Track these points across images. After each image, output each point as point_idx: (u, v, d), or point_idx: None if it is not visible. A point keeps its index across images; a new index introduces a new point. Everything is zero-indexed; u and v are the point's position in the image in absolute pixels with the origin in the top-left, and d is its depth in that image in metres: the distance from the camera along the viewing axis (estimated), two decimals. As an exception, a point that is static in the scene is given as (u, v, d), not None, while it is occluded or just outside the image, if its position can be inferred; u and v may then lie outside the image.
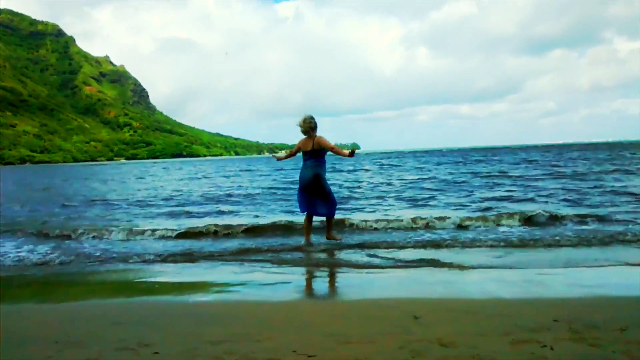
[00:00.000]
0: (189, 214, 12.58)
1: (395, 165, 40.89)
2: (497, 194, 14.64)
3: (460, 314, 4.22)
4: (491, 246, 7.53)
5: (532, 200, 12.89)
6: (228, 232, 9.44)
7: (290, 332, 3.85)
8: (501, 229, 8.98)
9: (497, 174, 23.41)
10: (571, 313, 4.11)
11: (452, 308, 4.42)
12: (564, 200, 12.63)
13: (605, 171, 22.18)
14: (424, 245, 7.77)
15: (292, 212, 11.96)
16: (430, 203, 13.33)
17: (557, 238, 7.79)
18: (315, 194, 7.77)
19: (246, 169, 46.40)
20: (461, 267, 6.19)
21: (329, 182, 7.99)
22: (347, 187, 19.16)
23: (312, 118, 7.82)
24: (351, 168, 38.02)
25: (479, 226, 9.24)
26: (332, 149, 7.65)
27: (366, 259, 6.88)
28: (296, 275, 6.20)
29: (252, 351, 3.44)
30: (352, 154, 7.37)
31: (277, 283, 5.75)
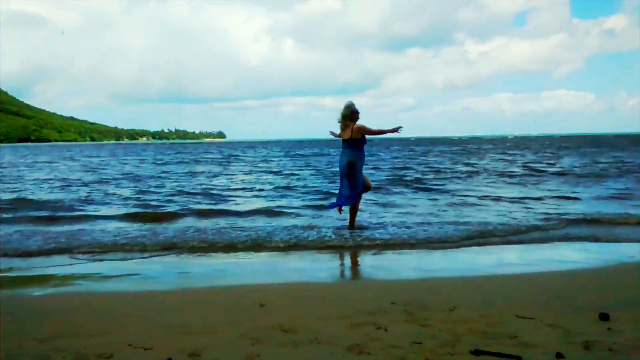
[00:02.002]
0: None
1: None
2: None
3: (306, 300, 4.30)
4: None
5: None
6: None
7: (128, 325, 3.67)
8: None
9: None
10: (408, 296, 4.34)
11: (299, 294, 4.49)
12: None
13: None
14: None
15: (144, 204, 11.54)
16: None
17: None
18: (347, 179, 7.70)
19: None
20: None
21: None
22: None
23: (348, 107, 7.61)
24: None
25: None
26: (374, 132, 7.47)
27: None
28: (145, 266, 5.95)
29: (84, 347, 3.23)
30: (396, 130, 7.24)
31: (122, 275, 5.48)
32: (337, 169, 7.99)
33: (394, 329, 3.46)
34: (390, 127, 7.30)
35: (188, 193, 13.26)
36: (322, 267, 5.81)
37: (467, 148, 50.49)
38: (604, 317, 3.63)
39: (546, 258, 6.08)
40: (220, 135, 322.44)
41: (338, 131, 7.86)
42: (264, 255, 6.36)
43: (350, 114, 7.59)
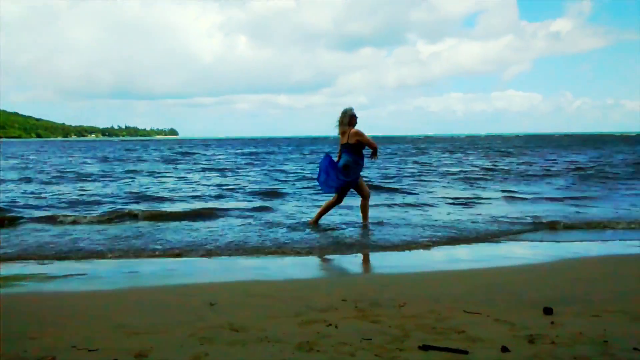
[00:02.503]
0: None
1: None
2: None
3: (256, 298, 4.26)
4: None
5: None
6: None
7: (73, 327, 3.55)
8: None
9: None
10: (359, 292, 4.37)
11: (250, 292, 4.45)
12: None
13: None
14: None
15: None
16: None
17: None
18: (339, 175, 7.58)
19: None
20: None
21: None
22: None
23: (345, 112, 7.64)
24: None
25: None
26: (366, 143, 7.53)
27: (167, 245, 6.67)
28: (93, 266, 5.78)
29: (24, 350, 3.10)
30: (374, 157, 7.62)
31: (68, 275, 5.31)
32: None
33: (344, 326, 3.47)
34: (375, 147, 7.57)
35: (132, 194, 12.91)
36: (273, 265, 5.77)
37: (419, 147, 51.23)
38: (548, 311, 3.74)
39: (494, 254, 6.23)
40: (173, 132, 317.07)
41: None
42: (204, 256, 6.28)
43: (348, 120, 7.65)
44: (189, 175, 18.46)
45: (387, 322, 3.55)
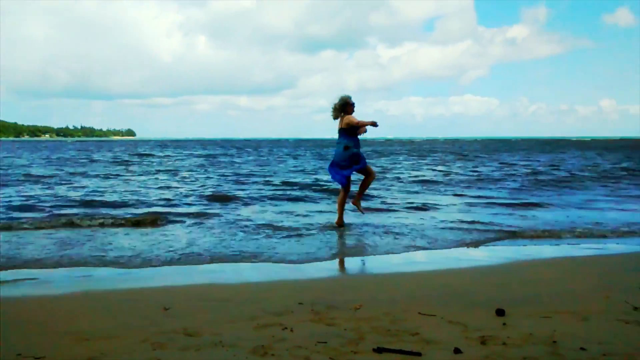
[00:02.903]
0: None
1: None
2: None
3: (213, 302, 4.22)
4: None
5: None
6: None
7: (18, 334, 3.44)
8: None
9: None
10: (315, 295, 4.37)
11: (206, 296, 4.40)
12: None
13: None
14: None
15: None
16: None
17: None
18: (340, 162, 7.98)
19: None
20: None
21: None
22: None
23: (341, 98, 7.96)
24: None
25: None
26: (356, 123, 7.82)
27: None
28: (42, 271, 5.59)
29: (-34, 359, 2.99)
30: (374, 124, 7.77)
31: (18, 280, 5.13)
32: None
33: (300, 329, 3.46)
34: (368, 120, 7.80)
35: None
36: (229, 269, 5.71)
37: (377, 150, 51.63)
38: (500, 312, 3.81)
39: (449, 257, 6.31)
40: (130, 133, 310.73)
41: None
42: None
43: (341, 105, 7.98)
44: (141, 178, 17.92)
45: (342, 325, 3.56)
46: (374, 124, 7.78)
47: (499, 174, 19.58)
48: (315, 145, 69.43)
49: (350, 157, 7.91)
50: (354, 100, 8.03)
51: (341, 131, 7.98)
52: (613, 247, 6.86)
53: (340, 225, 8.12)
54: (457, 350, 3.02)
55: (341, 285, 4.90)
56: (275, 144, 77.46)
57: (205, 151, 49.06)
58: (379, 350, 3.03)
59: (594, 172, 20.54)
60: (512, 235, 7.75)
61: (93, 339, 3.31)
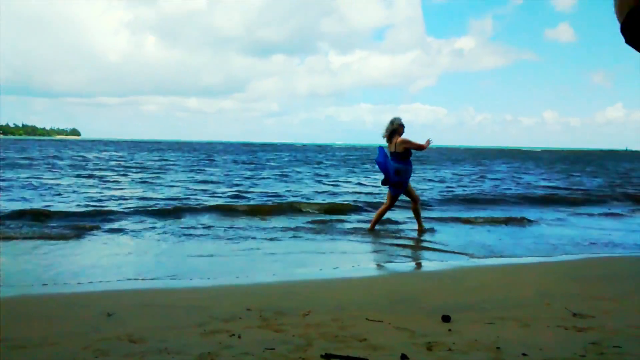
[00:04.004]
0: None
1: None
2: None
3: (158, 308, 4.12)
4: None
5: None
6: None
7: (-51, 341, 3.27)
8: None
9: None
10: (264, 301, 4.33)
11: (151, 302, 4.30)
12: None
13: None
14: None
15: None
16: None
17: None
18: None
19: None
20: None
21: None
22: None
23: (392, 122, 8.15)
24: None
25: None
26: (414, 147, 8.08)
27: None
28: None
29: None
30: (428, 144, 8.12)
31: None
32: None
33: (248, 336, 3.42)
34: (424, 142, 8.15)
35: None
36: (178, 272, 5.60)
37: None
38: (446, 318, 3.87)
39: (397, 262, 6.38)
40: (75, 132, 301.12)
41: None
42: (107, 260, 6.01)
43: (394, 129, 8.17)
44: (71, 181, 16.92)
45: (290, 331, 3.53)
46: (428, 144, 8.13)
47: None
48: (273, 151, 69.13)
49: (397, 183, 8.18)
50: (403, 122, 8.28)
51: (394, 154, 8.18)
52: (554, 255, 7.09)
53: (372, 230, 8.41)
54: (403, 357, 3.05)
55: (290, 291, 4.87)
56: (228, 148, 76.63)
57: (152, 154, 48.16)
58: (327, 356, 3.03)
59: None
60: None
61: (30, 346, 3.18)
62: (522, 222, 9.96)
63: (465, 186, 18.27)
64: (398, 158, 8.13)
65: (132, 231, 8.00)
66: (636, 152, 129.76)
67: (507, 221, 9.97)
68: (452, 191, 16.12)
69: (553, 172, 29.03)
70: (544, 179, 22.96)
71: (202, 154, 49.65)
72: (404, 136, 8.21)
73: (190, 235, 7.80)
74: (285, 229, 8.46)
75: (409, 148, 8.13)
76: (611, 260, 6.83)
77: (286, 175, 21.52)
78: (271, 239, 7.62)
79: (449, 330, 3.63)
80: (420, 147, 8.12)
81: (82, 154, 42.14)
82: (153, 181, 17.60)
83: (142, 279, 5.17)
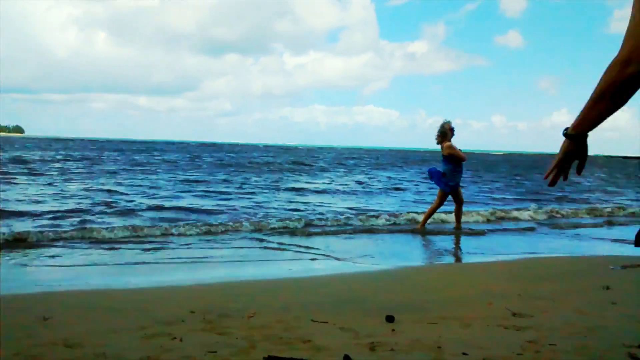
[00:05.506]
0: None
1: None
2: None
3: (97, 311, 4.00)
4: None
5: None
6: None
7: None
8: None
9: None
10: (208, 303, 4.26)
11: (89, 304, 4.18)
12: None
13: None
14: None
15: None
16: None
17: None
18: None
19: None
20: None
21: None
22: None
23: (442, 125, 8.54)
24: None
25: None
26: (456, 157, 8.52)
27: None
28: None
29: None
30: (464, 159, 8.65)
31: None
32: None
33: (190, 339, 3.36)
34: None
35: None
36: (117, 273, 5.47)
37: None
38: (390, 319, 3.90)
39: (342, 263, 6.41)
40: (18, 129, 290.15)
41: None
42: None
43: (444, 132, 8.60)
44: None
45: (234, 334, 3.49)
46: (464, 159, 8.66)
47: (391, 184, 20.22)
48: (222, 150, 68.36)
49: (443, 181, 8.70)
50: (453, 124, 8.69)
51: (443, 157, 8.68)
52: (495, 256, 7.27)
53: (420, 230, 8.78)
54: (346, 357, 3.05)
55: (235, 292, 4.82)
56: (180, 147, 75.48)
57: (89, 152, 46.84)
58: (269, 358, 3.00)
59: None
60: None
61: (-43, 353, 3.03)
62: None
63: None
64: (446, 160, 8.65)
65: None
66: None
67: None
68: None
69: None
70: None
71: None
72: (452, 142, 8.68)
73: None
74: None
75: (453, 155, 8.57)
76: (551, 260, 7.05)
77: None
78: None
79: (393, 330, 3.66)
80: (461, 158, 8.63)
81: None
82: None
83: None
